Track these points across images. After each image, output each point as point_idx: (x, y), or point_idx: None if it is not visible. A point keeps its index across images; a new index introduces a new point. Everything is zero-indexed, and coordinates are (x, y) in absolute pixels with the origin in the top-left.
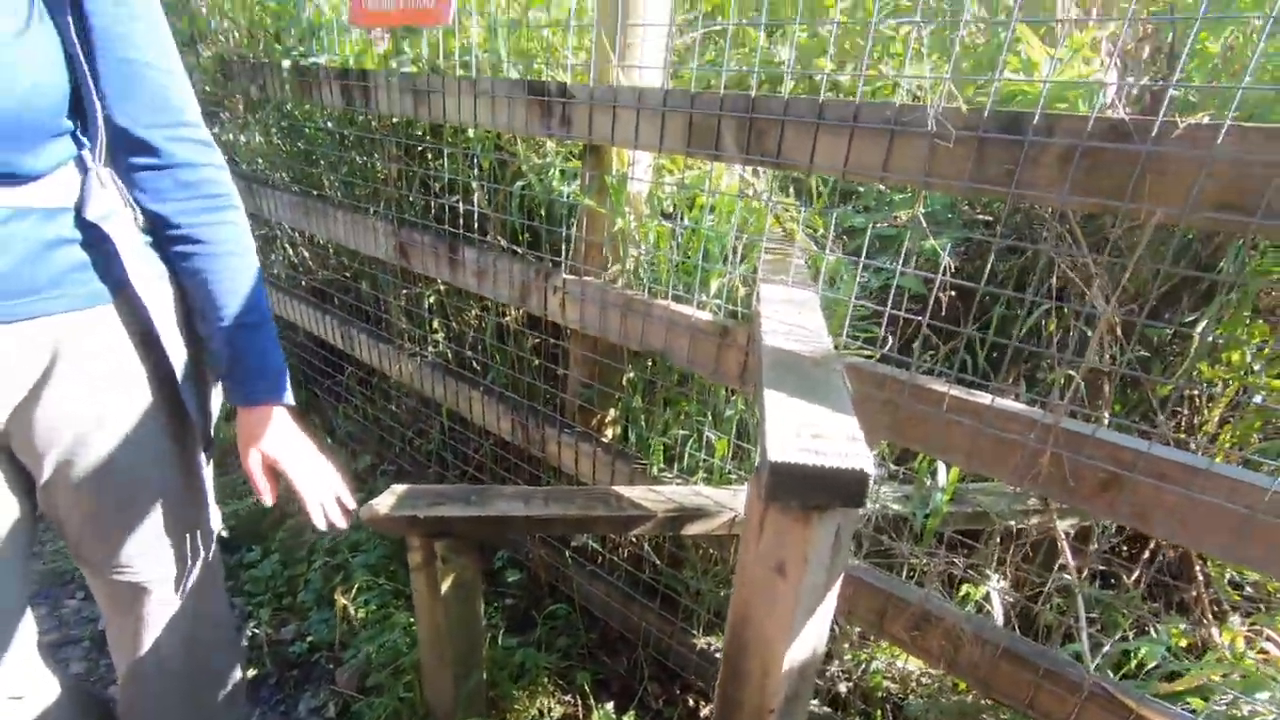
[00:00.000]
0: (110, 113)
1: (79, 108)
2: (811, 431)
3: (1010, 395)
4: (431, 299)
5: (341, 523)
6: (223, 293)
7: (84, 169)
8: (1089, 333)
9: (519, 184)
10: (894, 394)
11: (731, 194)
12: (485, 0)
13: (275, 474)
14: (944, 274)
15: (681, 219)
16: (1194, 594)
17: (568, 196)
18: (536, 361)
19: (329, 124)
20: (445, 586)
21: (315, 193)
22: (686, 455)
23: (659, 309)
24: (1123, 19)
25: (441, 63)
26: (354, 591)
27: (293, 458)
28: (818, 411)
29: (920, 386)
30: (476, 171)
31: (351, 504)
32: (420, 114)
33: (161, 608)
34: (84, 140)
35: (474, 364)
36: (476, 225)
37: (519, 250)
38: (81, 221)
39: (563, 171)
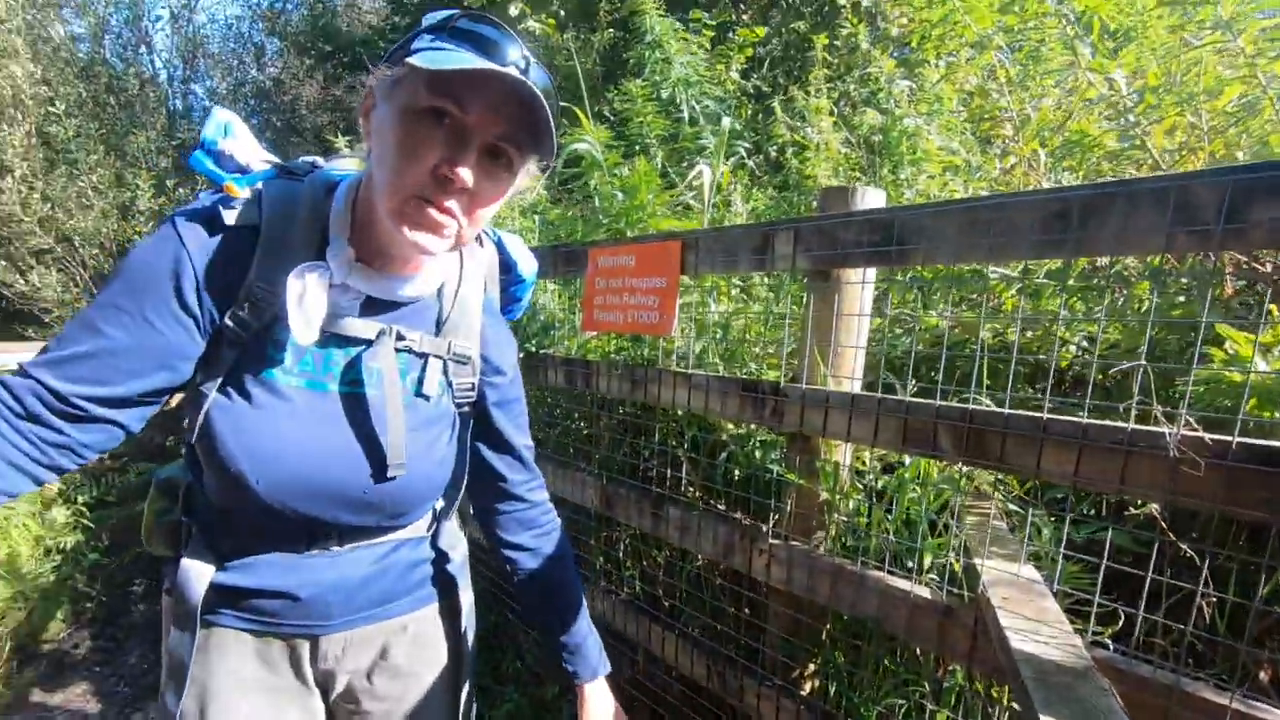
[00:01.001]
0: (497, 482)
1: None
2: None
3: None
4: (626, 541)
5: None
6: (564, 593)
7: (438, 509)
8: None
9: (723, 454)
10: (1161, 699)
11: (932, 476)
12: (704, 309)
13: None
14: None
15: (891, 501)
16: None
17: (776, 474)
18: (732, 609)
19: (547, 394)
20: None
21: None
22: None
23: (872, 580)
24: None
25: (660, 359)
26: None
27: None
28: None
29: (1191, 695)
30: (686, 447)
31: None
32: (635, 396)
33: None
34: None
35: (665, 603)
36: (683, 485)
37: (721, 507)
38: (434, 546)
39: (762, 441)
